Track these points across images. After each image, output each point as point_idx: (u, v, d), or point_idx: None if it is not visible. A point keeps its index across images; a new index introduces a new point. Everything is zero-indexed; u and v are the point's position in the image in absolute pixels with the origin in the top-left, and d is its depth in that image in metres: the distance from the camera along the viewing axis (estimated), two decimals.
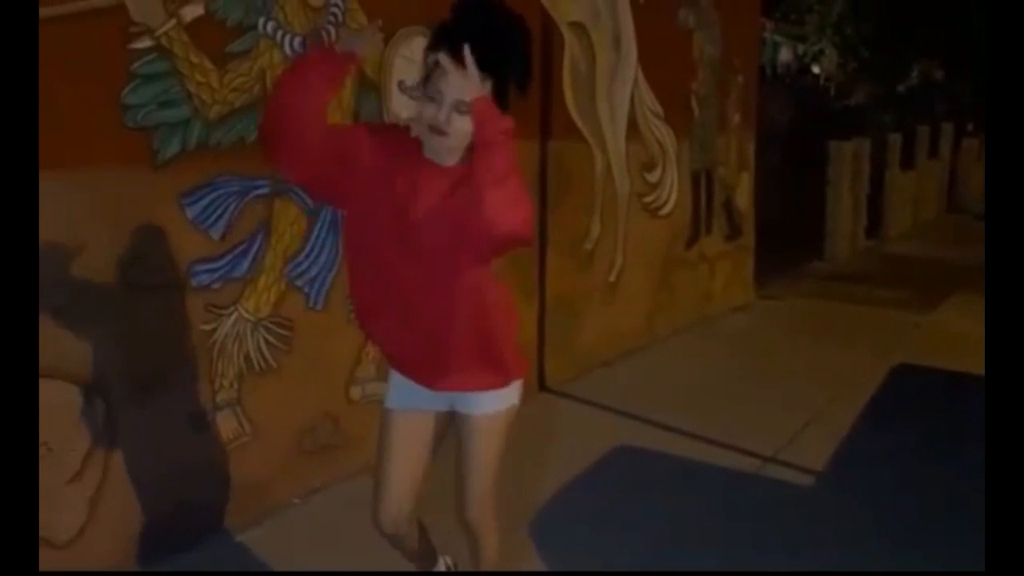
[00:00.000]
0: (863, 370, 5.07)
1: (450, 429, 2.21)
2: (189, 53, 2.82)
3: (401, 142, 1.94)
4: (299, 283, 3.29)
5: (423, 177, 1.91)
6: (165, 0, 2.74)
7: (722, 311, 6.39)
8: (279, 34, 3.09)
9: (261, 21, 3.03)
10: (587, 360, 4.96)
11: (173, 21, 2.77)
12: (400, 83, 3.55)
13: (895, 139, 10.22)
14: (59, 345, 2.57)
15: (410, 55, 3.52)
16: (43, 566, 2.01)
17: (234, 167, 2.97)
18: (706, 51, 5.97)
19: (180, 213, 2.87)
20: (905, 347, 5.59)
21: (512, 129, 1.79)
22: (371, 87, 3.46)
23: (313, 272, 3.33)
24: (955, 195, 12.87)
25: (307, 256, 3.28)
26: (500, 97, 1.84)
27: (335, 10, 3.28)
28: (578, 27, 4.69)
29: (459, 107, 1.81)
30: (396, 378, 2.15)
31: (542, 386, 4.66)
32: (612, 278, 5.20)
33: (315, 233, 3.30)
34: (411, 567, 2.42)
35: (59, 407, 2.60)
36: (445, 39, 1.81)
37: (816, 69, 14.74)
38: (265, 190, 3.10)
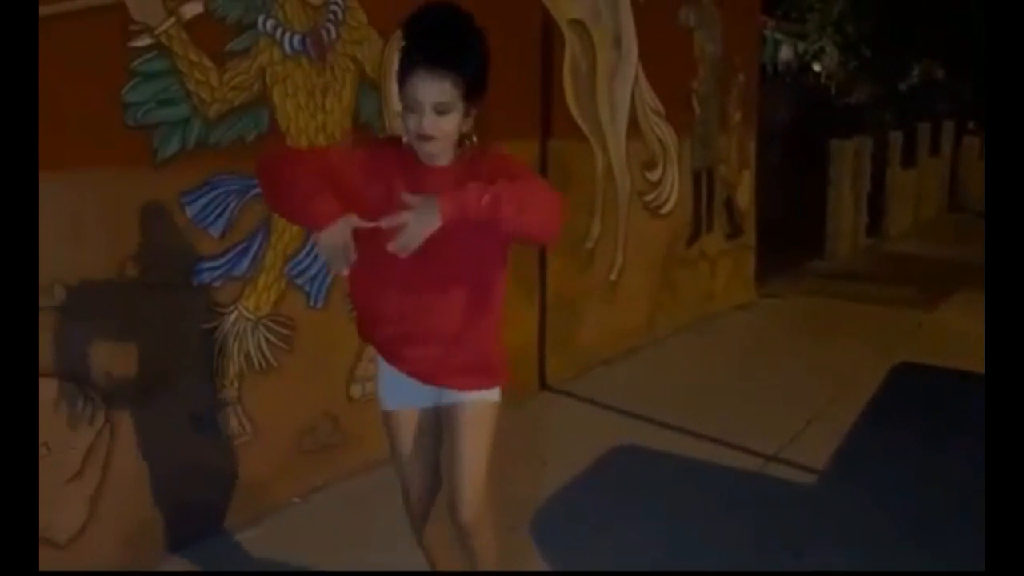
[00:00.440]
0: (865, 368, 5.06)
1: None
2: (189, 51, 2.82)
3: (395, 152, 2.00)
4: (299, 282, 3.29)
5: (423, 179, 1.96)
6: None
7: (723, 310, 6.38)
8: (279, 32, 3.09)
9: (261, 19, 3.03)
10: (588, 359, 4.95)
11: (173, 19, 2.77)
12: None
13: (896, 137, 10.20)
14: (59, 344, 2.58)
15: None
16: (43, 566, 2.01)
17: (234, 165, 2.96)
18: (707, 49, 5.96)
19: (180, 212, 2.88)
20: (907, 345, 5.58)
21: (491, 194, 1.78)
22: (371, 87, 3.46)
23: (313, 270, 3.32)
24: (956, 193, 12.83)
25: (307, 254, 3.28)
26: (469, 95, 1.90)
27: (335, 8, 3.28)
28: (579, 25, 4.68)
29: (438, 108, 1.88)
30: (386, 379, 2.18)
31: (543, 385, 4.66)
32: (613, 277, 5.20)
33: None
34: (412, 566, 2.41)
35: (59, 406, 2.60)
36: (407, 50, 1.89)
37: (817, 67, 14.70)
38: None
